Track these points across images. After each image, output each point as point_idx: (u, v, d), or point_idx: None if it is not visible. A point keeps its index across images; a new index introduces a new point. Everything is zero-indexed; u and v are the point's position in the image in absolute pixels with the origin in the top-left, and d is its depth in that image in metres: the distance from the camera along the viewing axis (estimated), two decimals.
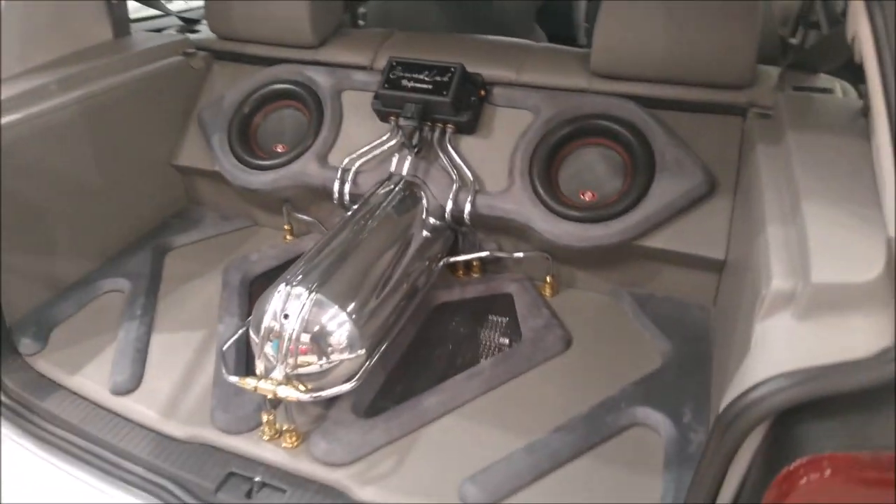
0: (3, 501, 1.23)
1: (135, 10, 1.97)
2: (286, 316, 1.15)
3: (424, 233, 1.49)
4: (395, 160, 1.58)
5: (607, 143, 1.51)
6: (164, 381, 1.34)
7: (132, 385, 1.32)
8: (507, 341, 1.45)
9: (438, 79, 1.54)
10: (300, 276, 1.20)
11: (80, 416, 1.29)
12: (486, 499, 1.08)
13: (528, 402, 1.27)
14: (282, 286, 1.18)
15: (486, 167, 1.56)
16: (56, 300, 1.52)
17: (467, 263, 1.62)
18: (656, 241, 1.43)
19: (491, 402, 1.28)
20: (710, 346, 1.37)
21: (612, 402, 1.24)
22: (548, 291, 1.57)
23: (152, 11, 2.11)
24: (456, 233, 1.59)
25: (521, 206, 1.48)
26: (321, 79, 1.72)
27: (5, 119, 1.37)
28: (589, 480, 1.12)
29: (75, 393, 1.34)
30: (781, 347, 0.78)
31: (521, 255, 1.56)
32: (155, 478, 1.16)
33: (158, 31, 1.98)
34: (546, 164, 1.51)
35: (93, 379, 1.34)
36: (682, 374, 1.31)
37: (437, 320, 1.50)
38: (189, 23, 2.05)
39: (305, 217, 1.76)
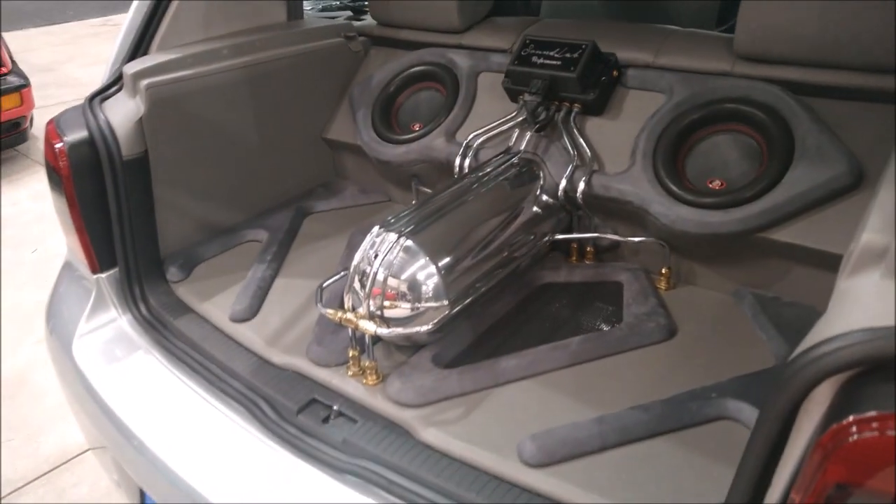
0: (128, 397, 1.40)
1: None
2: (375, 255, 1.21)
3: (535, 208, 1.48)
4: (515, 136, 1.59)
5: (743, 128, 1.40)
6: (275, 315, 1.45)
7: (248, 315, 1.44)
8: (606, 328, 1.38)
9: (568, 55, 1.53)
10: (395, 223, 1.25)
11: (201, 336, 1.43)
12: (543, 458, 1.04)
13: (610, 381, 1.20)
14: (376, 228, 1.24)
15: (608, 149, 1.52)
16: (204, 241, 1.71)
17: (581, 248, 1.58)
18: (783, 235, 1.29)
19: (571, 376, 1.23)
20: None
21: (703, 390, 1.13)
22: (662, 284, 1.47)
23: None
24: (570, 214, 1.55)
25: (639, 187, 1.42)
26: (461, 60, 1.78)
27: (183, 73, 1.58)
28: (656, 462, 1.03)
29: (202, 317, 1.49)
30: (861, 306, 0.68)
31: (635, 239, 1.49)
32: (250, 394, 1.26)
33: (332, 18, 2.18)
34: (673, 147, 1.43)
35: (219, 306, 1.49)
36: None
37: (539, 298, 1.47)
38: (358, 12, 2.23)
39: (430, 192, 1.82)
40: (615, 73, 1.55)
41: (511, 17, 1.94)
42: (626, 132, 1.51)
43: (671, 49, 1.56)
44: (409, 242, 1.21)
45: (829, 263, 1.28)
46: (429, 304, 1.21)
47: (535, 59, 1.57)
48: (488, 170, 1.48)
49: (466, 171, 1.63)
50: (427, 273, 1.20)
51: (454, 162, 1.65)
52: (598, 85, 1.53)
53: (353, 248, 1.66)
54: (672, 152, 1.43)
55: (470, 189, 1.40)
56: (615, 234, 1.54)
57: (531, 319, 1.41)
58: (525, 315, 1.42)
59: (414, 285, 1.20)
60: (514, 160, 1.52)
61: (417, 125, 1.83)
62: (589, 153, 1.50)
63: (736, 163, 1.40)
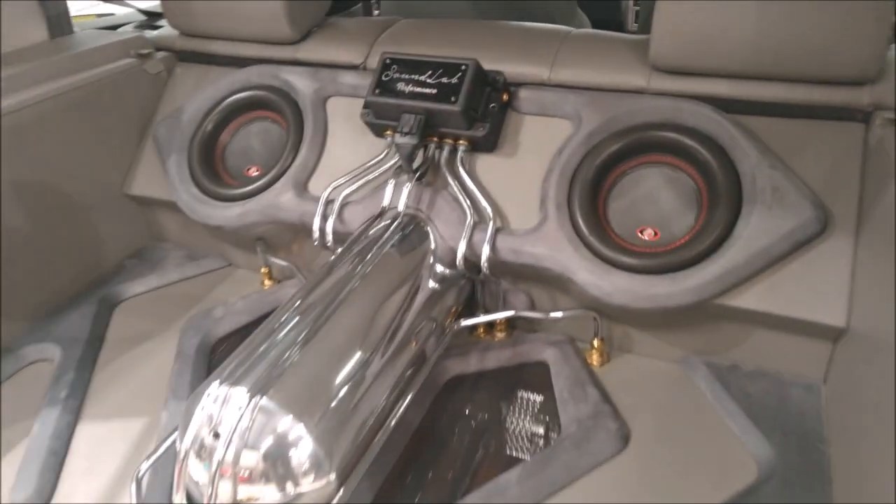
0: None
1: (89, 5, 1.64)
2: (216, 435, 0.80)
3: (431, 283, 1.12)
4: (391, 188, 1.21)
5: (674, 161, 1.12)
6: (79, 497, 0.99)
7: None
8: (541, 431, 1.07)
9: (445, 80, 1.16)
10: (241, 369, 0.84)
11: None
12: None
13: None
14: (214, 385, 0.83)
15: (510, 197, 1.18)
16: None
17: (489, 322, 1.25)
18: (745, 301, 1.03)
19: None
20: (825, 447, 0.98)
21: None
22: (595, 359, 1.18)
23: (111, 7, 1.77)
24: (473, 281, 1.21)
25: (557, 249, 1.10)
26: (301, 83, 1.36)
27: None
28: None
29: None
30: None
31: (559, 314, 1.18)
32: None
33: (115, 28, 1.65)
34: (590, 191, 1.12)
35: None
36: (789, 494, 0.92)
37: (448, 403, 1.13)
38: (153, 17, 1.70)
39: (281, 262, 1.40)
40: (505, 96, 1.20)
41: (359, 19, 1.54)
42: (529, 172, 1.18)
43: (570, 59, 1.24)
44: (268, 402, 0.82)
45: (796, 327, 1.05)
46: (309, 486, 0.83)
47: (401, 85, 1.18)
48: (366, 244, 1.10)
49: (331, 236, 1.24)
50: (301, 442, 0.82)
51: (311, 224, 1.24)
52: (488, 115, 1.18)
53: (185, 358, 1.22)
54: (591, 198, 1.12)
55: (346, 281, 1.02)
56: (530, 299, 1.23)
57: (445, 440, 1.06)
58: (436, 434, 1.07)
59: (282, 460, 0.82)
60: (395, 223, 1.15)
61: (254, 169, 1.39)
62: (487, 206, 1.16)
63: (668, 204, 1.12)
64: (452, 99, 1.14)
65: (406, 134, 1.16)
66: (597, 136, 1.14)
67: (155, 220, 1.55)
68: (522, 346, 1.21)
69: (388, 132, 1.24)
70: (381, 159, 1.24)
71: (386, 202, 1.20)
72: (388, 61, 1.21)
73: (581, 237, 1.10)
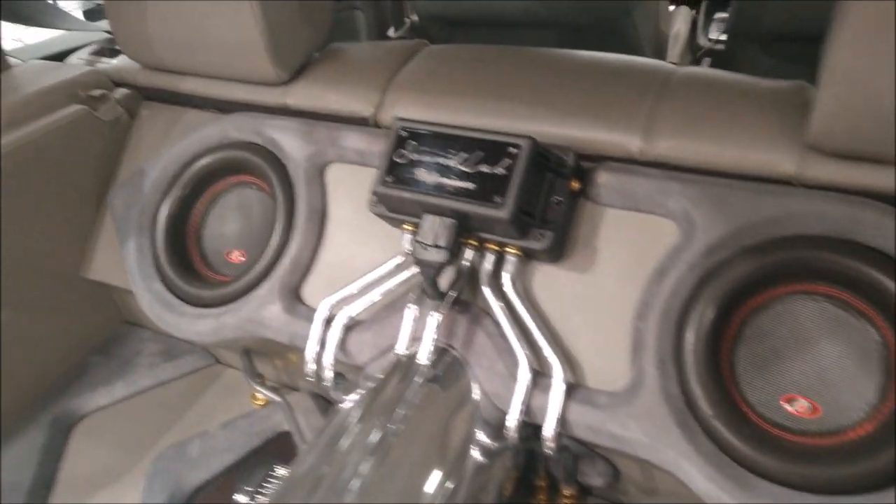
0: None
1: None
2: None
3: (475, 456, 0.78)
4: (412, 310, 0.84)
5: (843, 296, 0.72)
6: None
7: None
8: None
9: (487, 169, 0.78)
10: None
11: None
12: None
13: None
14: None
15: (582, 332, 0.81)
16: None
17: (552, 483, 0.90)
18: None
19: None
20: None
21: None
22: None
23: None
24: (527, 451, 0.86)
25: (659, 435, 0.73)
26: (290, 144, 0.99)
27: None
28: None
29: None
30: None
31: None
32: None
33: (65, 54, 1.30)
34: (712, 337, 0.74)
35: None
36: None
37: None
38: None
39: (270, 395, 1.07)
40: (576, 184, 0.81)
41: (366, 46, 1.14)
42: (611, 297, 0.80)
43: (675, 121, 0.83)
44: None
45: None
46: None
47: (422, 172, 0.81)
48: (382, 406, 0.76)
49: (330, 372, 0.89)
50: None
51: (305, 352, 0.90)
52: (549, 215, 0.80)
53: None
54: (711, 347, 0.74)
55: (351, 470, 0.68)
56: (614, 473, 0.86)
57: None
58: None
59: None
60: (420, 374, 0.80)
61: (237, 253, 1.05)
62: (552, 352, 0.79)
63: (837, 364, 0.72)
64: (497, 199, 0.75)
65: (430, 247, 0.79)
66: (719, 252, 0.75)
67: (125, 300, 1.24)
68: None
69: (408, 227, 0.87)
70: (402, 264, 0.88)
71: (405, 333, 0.84)
72: (402, 132, 0.83)
73: (698, 418, 0.72)
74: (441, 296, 0.81)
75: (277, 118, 1.02)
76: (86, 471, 1.04)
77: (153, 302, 1.02)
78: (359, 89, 1.00)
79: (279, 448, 1.04)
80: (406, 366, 0.81)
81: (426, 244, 0.79)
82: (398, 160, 0.82)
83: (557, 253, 0.81)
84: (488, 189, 0.76)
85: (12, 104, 1.05)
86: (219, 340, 0.98)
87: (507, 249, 0.82)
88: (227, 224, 1.07)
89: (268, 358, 1.10)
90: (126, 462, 1.03)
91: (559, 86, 0.91)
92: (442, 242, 0.78)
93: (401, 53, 1.04)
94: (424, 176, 0.80)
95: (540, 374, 0.79)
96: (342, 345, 0.88)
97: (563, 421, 0.76)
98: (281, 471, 1.02)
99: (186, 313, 0.99)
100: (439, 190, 0.79)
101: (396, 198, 0.82)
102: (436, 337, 0.81)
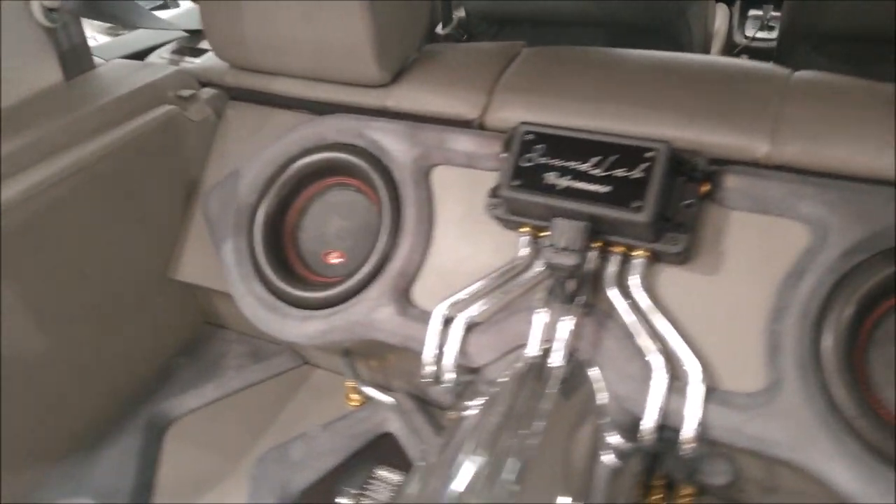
0: None
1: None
2: None
3: (608, 460, 0.78)
4: (542, 314, 0.85)
5: None
6: None
7: None
8: None
9: (622, 172, 0.78)
10: None
11: None
12: None
13: None
14: None
15: (712, 334, 0.81)
16: None
17: (670, 481, 0.90)
18: None
19: None
20: None
21: None
22: None
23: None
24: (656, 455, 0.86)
25: (802, 435, 0.73)
26: (396, 147, 0.99)
27: None
28: None
29: None
30: None
31: None
32: None
33: (145, 54, 1.29)
34: (850, 338, 0.74)
35: None
36: None
37: None
38: (195, 36, 1.34)
39: (378, 395, 1.08)
40: (705, 187, 0.82)
41: (463, 48, 1.14)
42: (741, 299, 0.80)
43: (801, 125, 0.84)
44: None
45: None
46: None
47: (552, 176, 0.81)
48: (511, 405, 0.76)
49: (452, 373, 0.89)
50: None
51: (423, 354, 0.90)
52: (680, 218, 0.80)
53: None
54: (849, 349, 0.75)
55: (493, 474, 0.69)
56: (734, 472, 0.87)
57: None
58: None
59: None
60: (557, 374, 0.80)
61: (335, 255, 1.05)
62: (688, 353, 0.79)
63: None
64: (635, 204, 0.76)
65: (562, 251, 0.79)
66: (856, 255, 0.75)
67: (209, 301, 1.24)
68: None
69: (526, 229, 0.87)
70: (521, 264, 0.88)
71: (535, 337, 0.84)
72: (530, 137, 0.83)
73: (842, 418, 0.72)
74: (571, 299, 0.82)
75: (379, 120, 1.02)
76: (184, 474, 1.04)
77: (255, 305, 1.02)
78: (463, 92, 1.00)
79: (381, 449, 1.04)
80: (537, 371, 0.81)
81: (558, 247, 0.79)
82: (524, 164, 0.82)
83: (686, 255, 0.82)
84: (625, 193, 0.77)
85: (105, 105, 1.05)
86: (325, 343, 0.98)
87: (635, 252, 0.82)
88: (324, 225, 1.07)
89: (363, 359, 1.10)
90: (225, 465, 1.04)
91: (675, 89, 0.91)
92: (575, 246, 0.79)
93: (501, 55, 1.04)
94: (555, 179, 0.80)
95: (674, 377, 0.79)
96: (464, 348, 0.89)
97: (706, 422, 0.77)
98: (383, 472, 1.03)
99: (291, 315, 0.99)
100: (572, 194, 0.79)
101: (525, 201, 0.82)
102: (567, 339, 0.82)
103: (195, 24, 1.32)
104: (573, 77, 0.98)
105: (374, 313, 0.94)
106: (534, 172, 0.81)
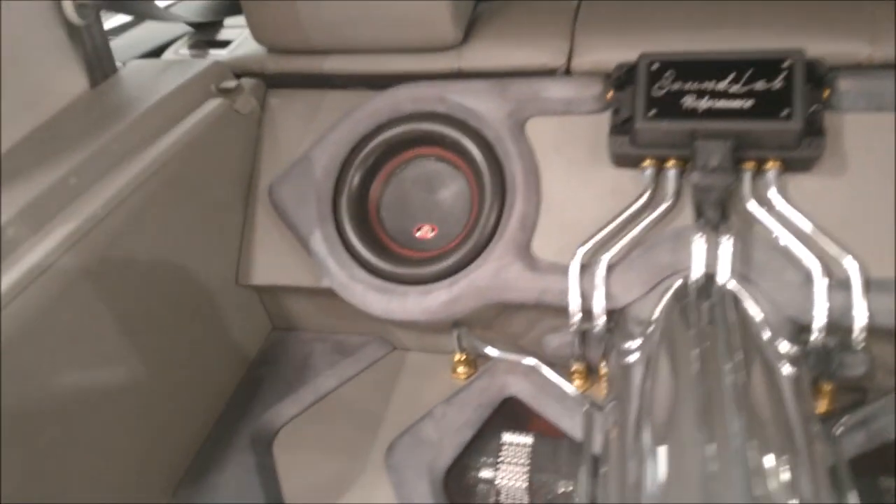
0: None
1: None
2: None
3: (786, 370, 0.80)
4: (691, 239, 0.85)
5: None
6: None
7: None
8: None
9: (761, 86, 0.80)
10: None
11: None
12: None
13: None
14: None
15: (856, 233, 0.85)
16: None
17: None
18: None
19: None
20: None
21: None
22: None
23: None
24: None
25: None
26: (485, 105, 0.97)
27: None
28: None
29: None
30: None
31: None
32: None
33: (158, 52, 1.19)
34: None
35: None
36: None
37: None
38: (205, 29, 1.24)
39: (493, 350, 1.05)
40: (826, 92, 0.85)
41: (517, 3, 1.12)
42: (874, 196, 0.85)
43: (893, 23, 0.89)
44: None
45: None
46: None
47: (689, 100, 0.82)
48: (678, 329, 0.77)
49: (601, 316, 0.88)
50: None
51: (564, 303, 0.89)
52: (815, 124, 0.83)
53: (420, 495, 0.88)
54: None
55: (703, 402, 0.69)
56: (871, 362, 0.91)
57: None
58: None
59: None
60: (717, 295, 0.81)
61: (426, 228, 1.01)
62: (839, 250, 0.82)
63: None
64: (784, 112, 0.78)
65: (711, 172, 0.80)
66: None
67: (278, 304, 1.16)
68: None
69: (650, 162, 0.88)
70: (648, 198, 0.89)
71: (694, 260, 0.84)
72: (656, 67, 0.83)
73: None
74: (718, 219, 0.83)
75: (459, 82, 0.99)
76: (311, 480, 0.98)
77: (364, 290, 0.97)
78: (541, 41, 0.99)
79: (506, 414, 1.02)
80: (699, 297, 0.82)
81: (708, 169, 0.80)
82: (657, 94, 0.83)
83: (811, 160, 0.85)
84: (771, 104, 0.79)
85: (156, 105, 0.96)
86: (450, 315, 0.95)
87: (769, 164, 0.84)
88: (408, 200, 1.03)
89: (468, 329, 1.07)
90: (352, 462, 0.98)
91: (759, 3, 0.94)
92: (726, 164, 0.80)
93: (560, 3, 1.04)
94: (693, 102, 0.81)
95: (831, 275, 0.82)
96: (608, 289, 0.88)
97: (873, 310, 0.80)
98: (510, 437, 1.01)
99: (409, 293, 0.95)
100: (715, 114, 0.81)
101: (665, 130, 0.82)
102: (720, 260, 0.83)
103: (199, 17, 1.23)
104: (652, 9, 0.99)
105: (502, 272, 0.92)
106: (670, 99, 0.82)
